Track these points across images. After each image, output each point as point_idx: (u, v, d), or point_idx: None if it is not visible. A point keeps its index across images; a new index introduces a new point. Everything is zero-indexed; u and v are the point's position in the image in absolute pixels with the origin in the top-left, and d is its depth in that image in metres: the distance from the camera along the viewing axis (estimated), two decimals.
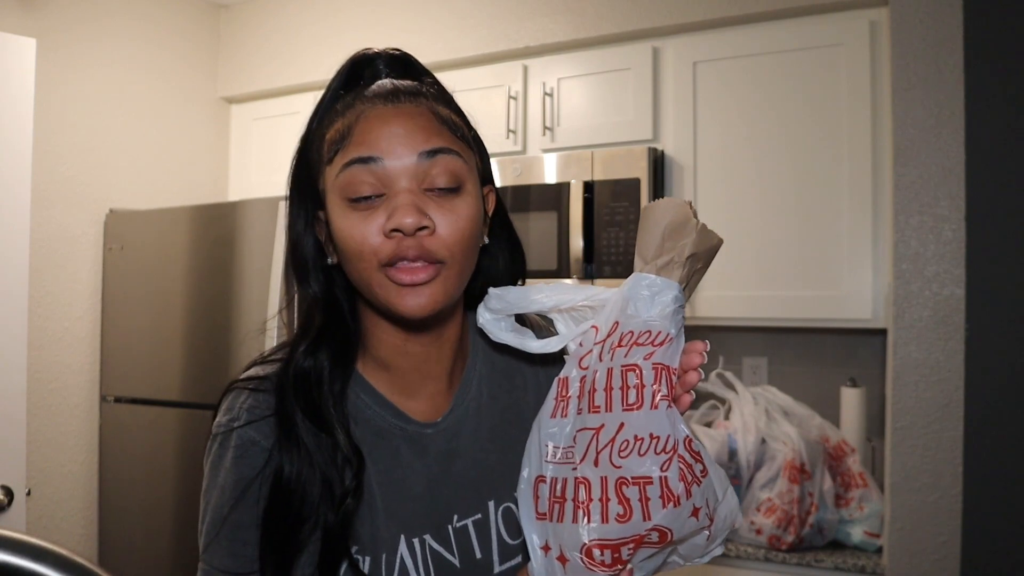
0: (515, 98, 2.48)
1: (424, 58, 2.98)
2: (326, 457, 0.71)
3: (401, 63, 0.80)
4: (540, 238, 2.30)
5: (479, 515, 0.78)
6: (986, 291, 1.80)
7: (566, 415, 0.71)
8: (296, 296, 0.78)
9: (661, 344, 0.67)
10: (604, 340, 0.70)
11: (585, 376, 0.70)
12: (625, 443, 0.65)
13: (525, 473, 0.71)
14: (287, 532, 0.70)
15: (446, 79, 2.96)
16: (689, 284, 0.71)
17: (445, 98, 0.78)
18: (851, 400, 2.21)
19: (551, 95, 2.43)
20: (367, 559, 0.73)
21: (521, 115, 2.49)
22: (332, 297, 0.77)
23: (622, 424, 0.66)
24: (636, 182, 2.18)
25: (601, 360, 0.69)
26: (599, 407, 0.67)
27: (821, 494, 1.99)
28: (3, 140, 1.94)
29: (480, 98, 2.55)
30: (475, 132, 0.80)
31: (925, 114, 1.84)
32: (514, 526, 0.79)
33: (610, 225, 2.20)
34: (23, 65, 1.99)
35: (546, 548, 0.68)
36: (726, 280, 2.21)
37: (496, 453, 0.80)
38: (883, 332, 2.10)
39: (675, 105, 2.28)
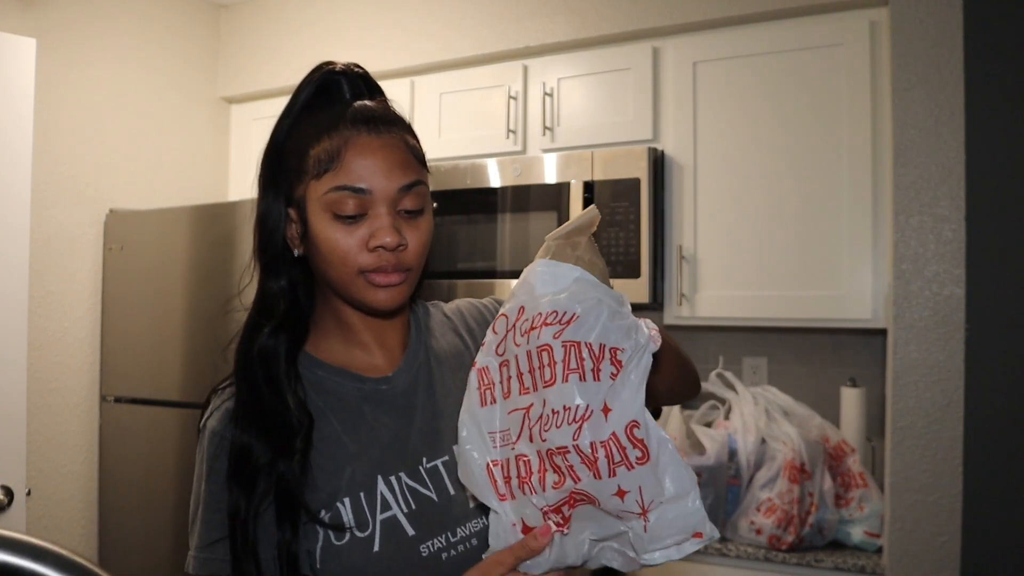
0: (515, 98, 2.48)
1: (424, 58, 2.99)
2: (282, 419, 0.83)
3: (362, 80, 0.91)
4: (540, 238, 2.29)
5: (446, 457, 0.89)
6: (986, 291, 1.80)
7: (494, 402, 0.79)
8: (260, 283, 0.90)
9: (568, 323, 0.72)
10: (514, 326, 0.77)
11: (505, 362, 0.78)
12: (547, 417, 0.72)
13: (476, 459, 0.78)
14: (247, 487, 0.80)
15: (446, 79, 2.94)
16: (591, 265, 0.78)
17: (406, 123, 0.90)
18: (851, 400, 2.21)
19: (551, 95, 2.43)
20: (346, 500, 0.83)
21: (521, 115, 2.49)
22: (293, 287, 0.90)
23: (544, 401, 0.72)
24: (636, 182, 2.18)
25: (517, 345, 0.76)
26: (528, 388, 0.75)
27: (821, 494, 1.99)
28: (3, 140, 1.95)
29: (480, 98, 2.55)
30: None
31: (925, 114, 1.84)
32: None
33: (610, 225, 2.20)
34: (23, 65, 1.99)
35: (514, 524, 0.77)
36: (726, 280, 2.21)
37: (451, 407, 0.91)
38: (883, 332, 2.10)
39: (675, 105, 2.28)
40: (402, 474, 0.86)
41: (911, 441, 1.83)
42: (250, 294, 0.92)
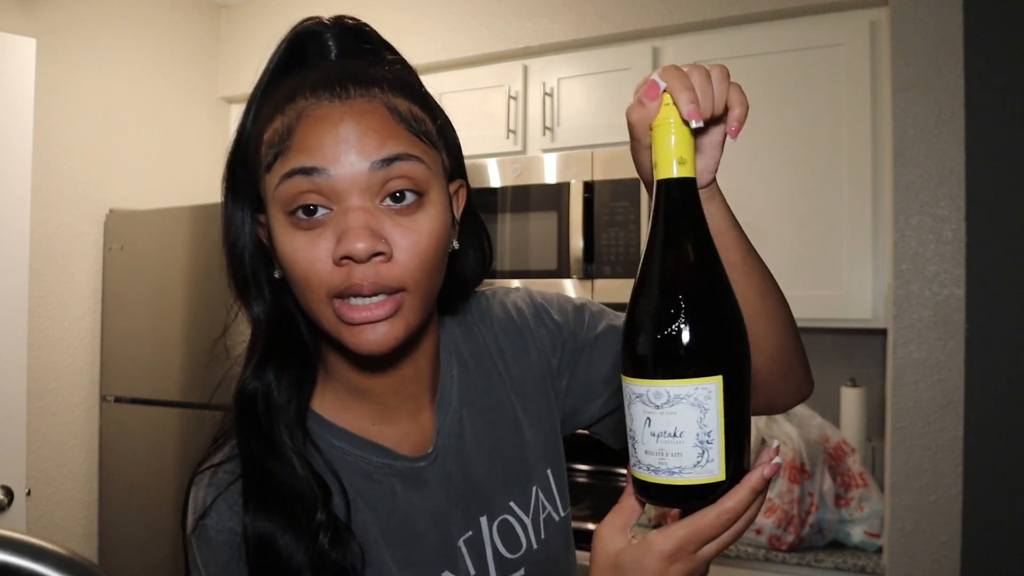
0: (515, 98, 2.48)
1: (424, 58, 2.98)
2: (290, 490, 0.63)
3: (354, 35, 0.69)
4: (540, 238, 2.30)
5: (470, 532, 0.71)
6: (986, 291, 1.80)
7: None
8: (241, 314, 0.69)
9: None
10: None
11: None
12: None
13: None
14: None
15: (446, 79, 2.93)
16: None
17: (405, 84, 0.65)
18: (851, 400, 2.21)
19: (551, 95, 2.43)
20: None
21: (521, 115, 2.48)
22: (282, 313, 0.67)
23: None
24: (636, 182, 2.18)
25: None
26: None
27: (821, 494, 1.99)
28: (3, 140, 1.94)
29: (480, 98, 2.55)
30: (443, 120, 0.69)
31: (925, 114, 1.84)
32: (512, 539, 0.72)
33: (610, 225, 2.20)
34: (23, 65, 1.99)
35: None
36: None
37: (483, 464, 0.73)
38: (883, 332, 2.10)
39: None
40: (446, 573, 0.69)
41: (911, 441, 1.83)
42: (238, 334, 0.72)
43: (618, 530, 0.58)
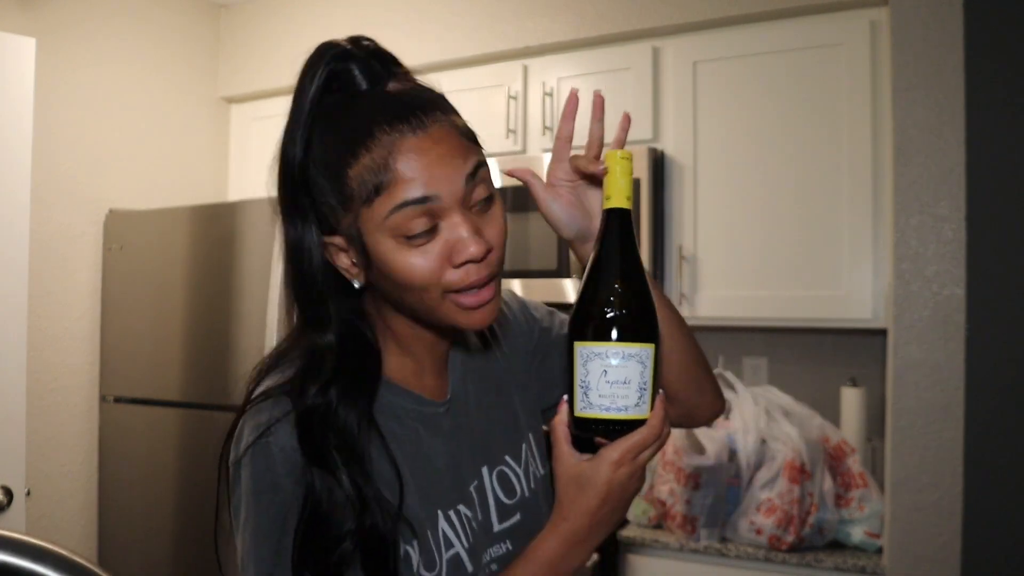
0: (515, 98, 2.48)
1: (423, 58, 2.99)
2: (362, 480, 0.72)
3: (376, 60, 0.75)
4: (540, 238, 2.30)
5: (476, 481, 0.83)
6: (986, 291, 1.80)
7: None
8: (300, 331, 0.78)
9: None
10: None
11: None
12: None
13: None
14: (327, 550, 0.69)
15: (446, 79, 2.92)
16: None
17: (440, 96, 0.77)
18: (851, 400, 2.21)
19: (551, 95, 2.43)
20: (414, 543, 0.75)
21: (521, 115, 2.49)
22: (351, 325, 0.78)
23: None
24: (636, 182, 2.18)
25: None
26: None
27: (821, 494, 1.99)
28: (3, 140, 1.94)
29: (480, 98, 2.55)
30: None
31: (925, 114, 1.84)
32: (508, 487, 0.86)
33: None
34: (23, 65, 1.99)
35: None
36: (726, 280, 2.21)
37: (483, 421, 0.86)
38: (883, 332, 2.10)
39: (675, 105, 2.28)
40: (460, 506, 0.80)
41: (911, 441, 1.83)
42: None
43: (571, 449, 0.75)
